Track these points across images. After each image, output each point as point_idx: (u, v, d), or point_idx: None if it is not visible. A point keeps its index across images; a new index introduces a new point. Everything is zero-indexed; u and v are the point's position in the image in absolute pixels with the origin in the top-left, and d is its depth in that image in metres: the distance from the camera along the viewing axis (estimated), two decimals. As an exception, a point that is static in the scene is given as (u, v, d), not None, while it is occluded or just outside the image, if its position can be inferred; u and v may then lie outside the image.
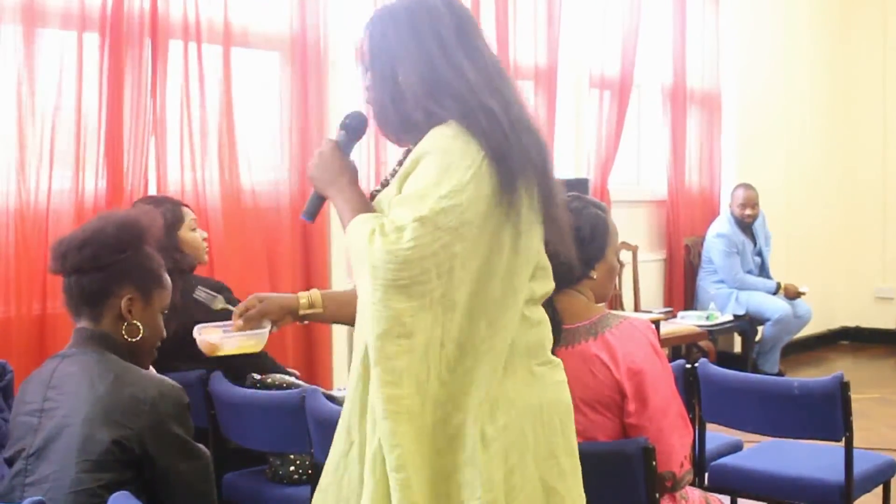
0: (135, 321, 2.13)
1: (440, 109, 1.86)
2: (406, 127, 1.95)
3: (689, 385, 3.22)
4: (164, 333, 2.24)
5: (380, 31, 1.96)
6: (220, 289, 3.36)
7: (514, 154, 1.83)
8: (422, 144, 1.86)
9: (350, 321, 2.07)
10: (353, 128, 2.06)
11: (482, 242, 1.80)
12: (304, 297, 2.22)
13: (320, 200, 2.07)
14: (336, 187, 1.97)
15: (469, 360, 1.81)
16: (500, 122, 1.83)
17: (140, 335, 2.14)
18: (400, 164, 2.00)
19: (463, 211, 1.77)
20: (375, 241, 1.75)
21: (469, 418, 1.80)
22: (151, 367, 2.29)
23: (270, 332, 2.21)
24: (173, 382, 2.09)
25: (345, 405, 1.95)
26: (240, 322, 2.18)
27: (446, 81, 1.87)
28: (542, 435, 1.87)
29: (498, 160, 1.81)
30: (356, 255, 1.81)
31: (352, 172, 2.01)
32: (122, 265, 2.12)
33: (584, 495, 1.94)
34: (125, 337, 2.12)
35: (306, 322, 2.29)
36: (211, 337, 2.23)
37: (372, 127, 2.08)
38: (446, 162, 1.80)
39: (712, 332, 6.19)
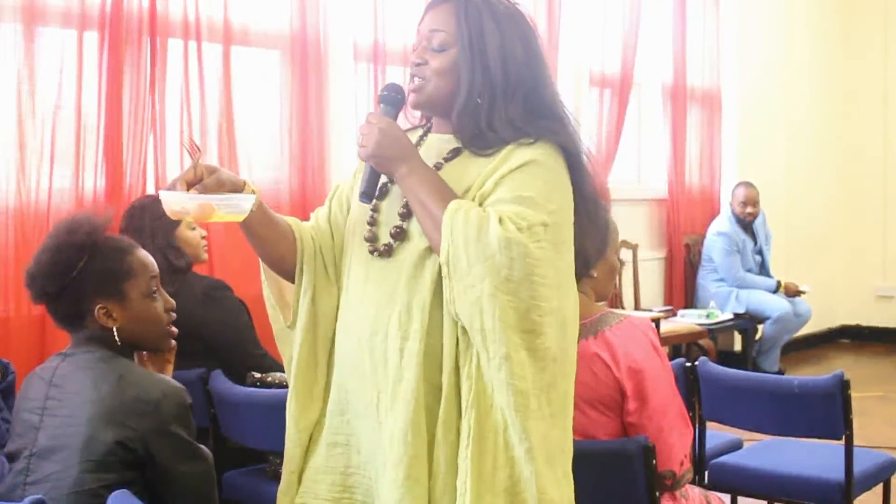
0: (116, 325, 2.09)
1: (546, 127, 1.82)
2: (490, 124, 1.83)
3: (690, 383, 3.22)
4: (167, 304, 2.19)
5: (476, 15, 1.83)
6: (221, 287, 3.37)
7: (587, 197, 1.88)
8: (526, 151, 1.79)
9: (262, 244, 1.93)
10: (398, 101, 1.91)
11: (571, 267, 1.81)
12: (251, 185, 1.92)
13: (378, 178, 1.88)
14: (408, 165, 1.81)
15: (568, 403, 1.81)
16: (585, 162, 1.87)
17: (132, 332, 2.12)
18: (446, 159, 1.88)
19: (562, 229, 1.78)
20: (509, 231, 1.68)
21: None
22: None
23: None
24: (176, 383, 2.08)
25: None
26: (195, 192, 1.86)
27: (554, 102, 1.87)
28: None
29: (576, 200, 1.85)
30: (466, 241, 1.70)
31: (415, 148, 1.87)
32: (75, 285, 2.08)
33: None
34: (118, 341, 2.10)
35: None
36: (197, 198, 1.83)
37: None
38: (551, 178, 1.79)
39: (712, 331, 6.20)
